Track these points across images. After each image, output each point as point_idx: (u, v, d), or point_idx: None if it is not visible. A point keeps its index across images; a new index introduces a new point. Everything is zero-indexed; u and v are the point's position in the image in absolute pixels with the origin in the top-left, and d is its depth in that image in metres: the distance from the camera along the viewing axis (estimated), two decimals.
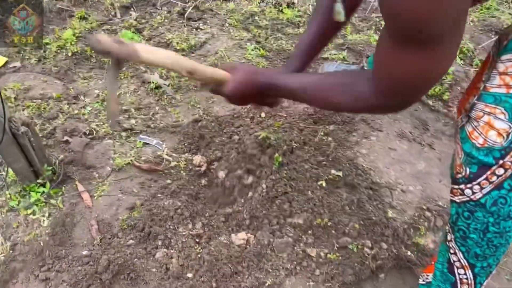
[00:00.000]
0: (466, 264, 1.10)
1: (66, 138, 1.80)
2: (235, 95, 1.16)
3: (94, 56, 2.20)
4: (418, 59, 0.74)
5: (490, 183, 0.93)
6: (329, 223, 1.55)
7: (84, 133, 1.83)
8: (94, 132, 1.85)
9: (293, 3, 2.62)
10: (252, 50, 2.29)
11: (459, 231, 1.06)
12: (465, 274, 1.13)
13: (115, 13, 2.53)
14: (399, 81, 0.80)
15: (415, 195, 1.69)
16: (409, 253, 1.50)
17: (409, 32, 0.71)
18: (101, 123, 1.90)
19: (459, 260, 1.11)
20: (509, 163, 0.89)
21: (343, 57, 2.26)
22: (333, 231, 1.54)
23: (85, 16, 2.47)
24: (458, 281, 1.15)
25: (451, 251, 1.12)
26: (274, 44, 2.35)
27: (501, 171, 0.90)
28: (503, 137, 0.87)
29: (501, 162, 0.89)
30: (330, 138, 1.83)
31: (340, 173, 1.68)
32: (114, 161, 1.75)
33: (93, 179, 1.70)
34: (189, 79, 1.36)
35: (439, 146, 1.90)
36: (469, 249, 1.07)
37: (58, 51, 2.24)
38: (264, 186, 1.61)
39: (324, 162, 1.73)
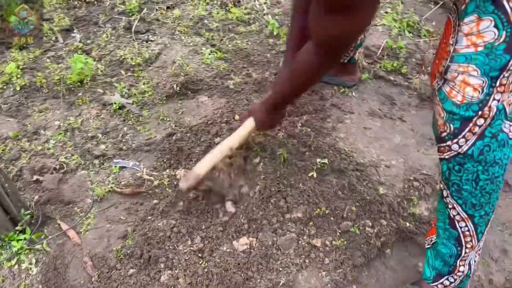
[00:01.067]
0: (466, 216, 1.18)
1: (36, 177, 1.68)
2: (264, 126, 1.61)
3: (46, 86, 2.07)
4: (341, 22, 1.02)
5: (474, 134, 1.02)
6: (327, 211, 1.56)
7: (55, 169, 1.72)
8: (65, 165, 1.74)
9: (238, 2, 2.60)
10: (209, 54, 2.25)
11: (453, 186, 1.14)
12: (466, 226, 1.20)
13: (57, 38, 2.39)
14: (330, 39, 1.11)
15: (399, 168, 1.74)
16: (408, 224, 1.55)
17: (331, 2, 1.01)
18: (70, 155, 1.79)
19: (458, 214, 1.18)
20: (487, 112, 0.99)
21: None
22: (332, 218, 1.55)
23: (25, 45, 2.32)
24: (461, 234, 1.22)
25: (449, 206, 1.19)
26: (229, 45, 2.33)
27: (481, 121, 1.00)
28: (479, 91, 0.97)
29: (480, 113, 0.99)
30: (308, 129, 1.84)
31: (326, 161, 1.70)
32: (94, 192, 1.66)
33: (75, 214, 1.60)
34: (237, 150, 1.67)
35: (408, 117, 1.97)
36: (465, 200, 1.15)
37: (4, 87, 2.08)
38: (257, 188, 1.59)
39: (308, 153, 1.74)
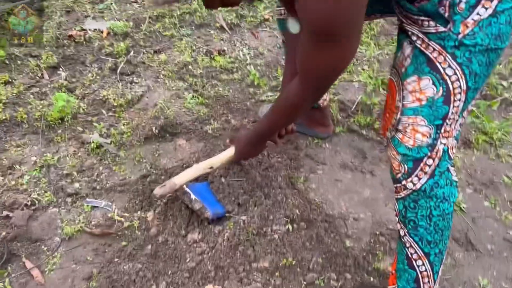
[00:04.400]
0: (422, 254, 1.26)
1: (5, 213, 1.68)
2: (241, 157, 1.70)
3: (26, 122, 2.10)
4: (328, 55, 1.07)
5: (425, 173, 1.16)
6: (293, 262, 1.58)
7: (26, 205, 1.72)
8: (37, 202, 1.74)
9: (223, 51, 2.71)
10: (191, 98, 2.32)
11: (409, 223, 1.24)
12: (423, 265, 1.28)
13: (42, 74, 2.44)
14: (318, 71, 1.14)
15: (367, 222, 1.78)
16: (372, 279, 1.58)
17: (321, 32, 1.03)
18: (43, 192, 1.79)
19: (415, 252, 1.27)
20: (435, 154, 1.14)
21: None
22: (298, 269, 1.57)
23: (10, 80, 2.36)
24: (419, 274, 1.29)
25: (407, 245, 1.28)
26: (211, 91, 2.40)
27: (430, 161, 1.15)
28: (427, 136, 1.13)
29: (429, 154, 1.14)
30: (280, 178, 1.89)
31: (297, 211, 1.74)
32: (63, 230, 1.65)
33: (41, 252, 1.59)
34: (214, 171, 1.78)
35: (379, 172, 2.03)
36: (421, 237, 1.24)
37: None
38: (225, 235, 1.61)
39: (279, 202, 1.78)
